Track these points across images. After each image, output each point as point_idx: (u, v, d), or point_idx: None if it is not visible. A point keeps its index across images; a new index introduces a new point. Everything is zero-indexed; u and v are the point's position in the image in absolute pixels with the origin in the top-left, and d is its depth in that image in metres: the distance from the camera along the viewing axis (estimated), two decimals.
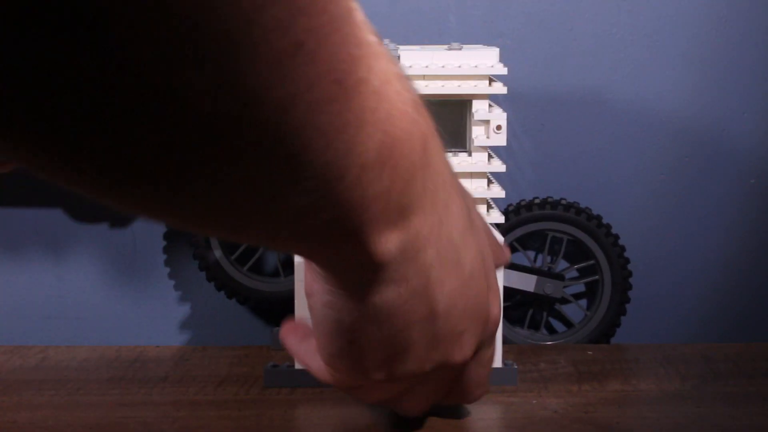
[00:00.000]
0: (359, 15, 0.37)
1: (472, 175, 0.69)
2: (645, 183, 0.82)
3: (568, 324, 0.84)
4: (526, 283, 0.81)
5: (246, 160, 0.35)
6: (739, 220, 0.82)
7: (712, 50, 0.81)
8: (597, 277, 0.81)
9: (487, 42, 0.79)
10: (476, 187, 0.69)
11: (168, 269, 0.81)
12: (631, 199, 0.82)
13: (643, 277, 0.83)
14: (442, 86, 0.68)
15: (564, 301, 0.82)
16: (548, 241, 0.82)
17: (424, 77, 0.68)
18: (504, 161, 0.70)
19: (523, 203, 0.81)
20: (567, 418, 0.66)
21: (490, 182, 0.70)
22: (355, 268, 0.46)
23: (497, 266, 0.55)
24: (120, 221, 0.81)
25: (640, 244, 0.82)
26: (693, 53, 0.81)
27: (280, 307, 0.80)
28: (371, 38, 0.38)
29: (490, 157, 0.69)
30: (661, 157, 0.82)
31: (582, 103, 0.81)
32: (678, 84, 0.81)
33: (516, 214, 0.81)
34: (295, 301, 0.70)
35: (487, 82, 0.68)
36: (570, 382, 0.72)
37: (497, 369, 0.70)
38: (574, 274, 0.84)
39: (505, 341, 0.79)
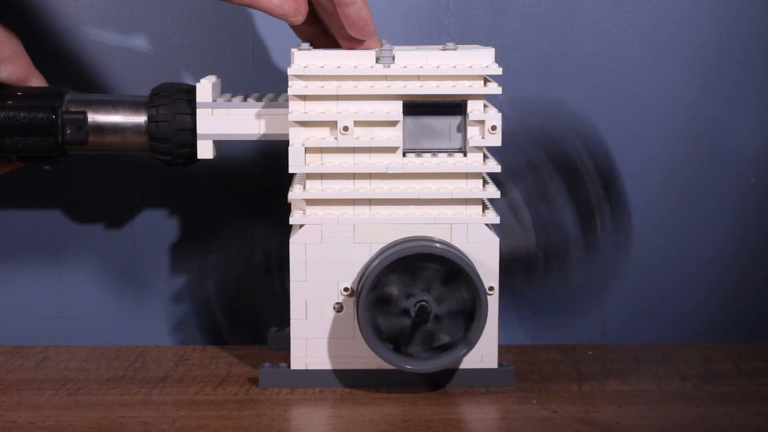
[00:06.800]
0: None
1: (467, 175, 0.69)
2: (644, 183, 0.81)
3: None
4: None
5: None
6: (738, 220, 0.82)
7: (712, 50, 0.81)
8: None
9: (487, 42, 0.79)
10: (472, 188, 0.69)
11: (168, 269, 0.82)
12: (630, 199, 0.82)
13: (643, 277, 0.82)
14: (437, 86, 0.68)
15: None
16: None
17: (419, 77, 0.68)
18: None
19: None
20: (567, 418, 0.66)
21: (485, 182, 0.70)
22: None
23: None
24: (120, 221, 0.82)
25: (640, 244, 0.82)
26: (692, 53, 0.81)
27: (276, 307, 0.80)
28: None
29: (485, 157, 0.69)
30: (660, 156, 0.82)
31: (581, 103, 0.81)
32: (677, 84, 0.81)
33: None
34: (291, 302, 0.70)
35: (482, 82, 0.68)
36: (570, 382, 0.72)
37: (493, 370, 0.70)
38: None
39: (504, 341, 0.79)
